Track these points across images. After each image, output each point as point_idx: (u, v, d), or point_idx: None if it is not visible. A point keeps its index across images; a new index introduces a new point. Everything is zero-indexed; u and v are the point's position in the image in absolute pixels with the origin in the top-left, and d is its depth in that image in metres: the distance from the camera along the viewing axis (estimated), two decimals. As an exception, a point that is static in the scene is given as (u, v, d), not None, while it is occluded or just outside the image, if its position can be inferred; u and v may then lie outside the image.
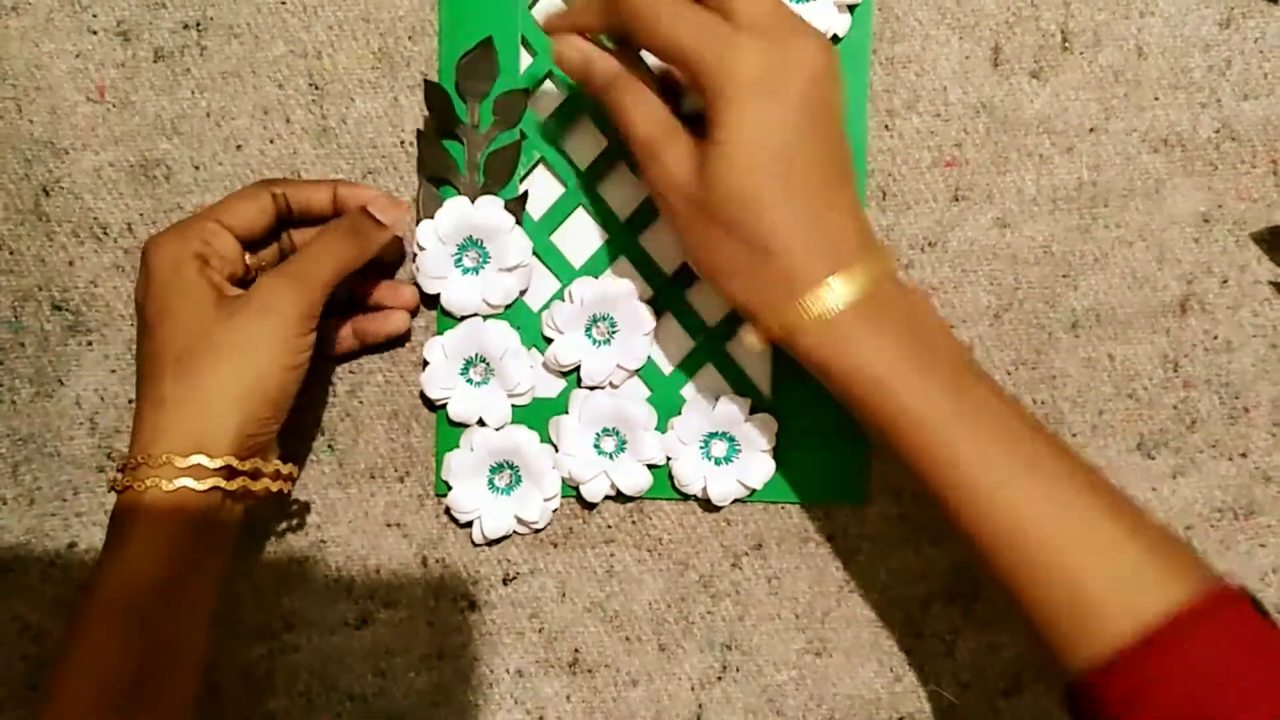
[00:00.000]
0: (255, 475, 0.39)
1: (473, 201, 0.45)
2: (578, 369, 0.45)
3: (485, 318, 0.46)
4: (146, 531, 0.37)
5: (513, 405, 0.46)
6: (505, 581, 0.47)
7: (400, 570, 0.47)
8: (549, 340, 0.45)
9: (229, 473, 0.38)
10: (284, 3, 0.46)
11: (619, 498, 0.46)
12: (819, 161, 0.36)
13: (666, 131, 0.38)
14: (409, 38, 0.46)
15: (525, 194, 0.45)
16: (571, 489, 0.46)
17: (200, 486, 0.37)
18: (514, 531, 0.46)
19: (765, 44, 0.35)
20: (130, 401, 0.47)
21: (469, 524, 0.46)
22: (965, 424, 0.35)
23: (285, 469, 0.41)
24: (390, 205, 0.42)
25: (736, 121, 0.35)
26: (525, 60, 0.46)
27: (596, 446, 0.46)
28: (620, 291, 0.45)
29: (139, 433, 0.38)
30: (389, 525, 0.47)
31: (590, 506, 0.47)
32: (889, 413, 0.36)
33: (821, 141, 0.36)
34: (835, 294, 0.36)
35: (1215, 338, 0.46)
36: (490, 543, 0.47)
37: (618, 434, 0.45)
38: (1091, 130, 0.46)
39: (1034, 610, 0.35)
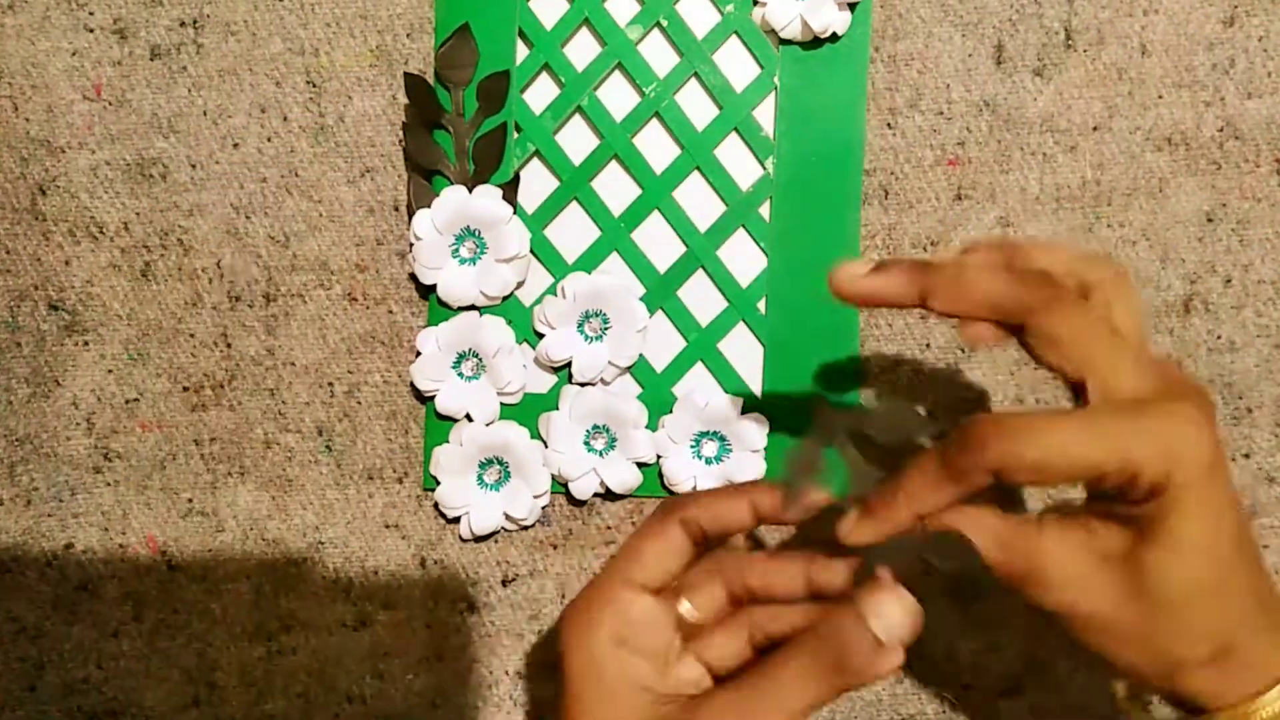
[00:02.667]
0: None
1: (469, 190, 0.45)
2: (569, 365, 0.45)
3: (481, 310, 0.45)
4: None
5: (502, 404, 0.46)
6: (504, 583, 0.47)
7: (399, 571, 0.47)
8: (540, 335, 0.45)
9: None
10: (281, 0, 0.45)
11: (608, 495, 0.46)
12: (1255, 546, 0.32)
13: (1089, 567, 0.32)
14: (407, 35, 0.46)
15: (517, 178, 0.45)
16: (561, 486, 0.46)
17: None
18: (502, 529, 0.46)
19: (1200, 414, 0.30)
20: (128, 401, 0.46)
21: (457, 519, 0.46)
22: None
23: None
24: (905, 614, 0.32)
25: (1197, 511, 0.30)
26: (522, 53, 0.45)
27: (587, 444, 0.45)
28: (613, 287, 0.45)
29: None
30: (387, 526, 0.47)
31: (579, 504, 0.46)
32: None
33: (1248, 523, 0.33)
34: None
35: (1219, 337, 0.46)
36: (478, 538, 0.46)
37: (608, 431, 0.45)
38: (1095, 129, 0.45)
39: None
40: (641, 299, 0.46)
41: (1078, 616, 0.32)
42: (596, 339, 0.45)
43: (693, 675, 0.34)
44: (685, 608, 0.34)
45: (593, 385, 0.45)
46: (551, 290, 0.46)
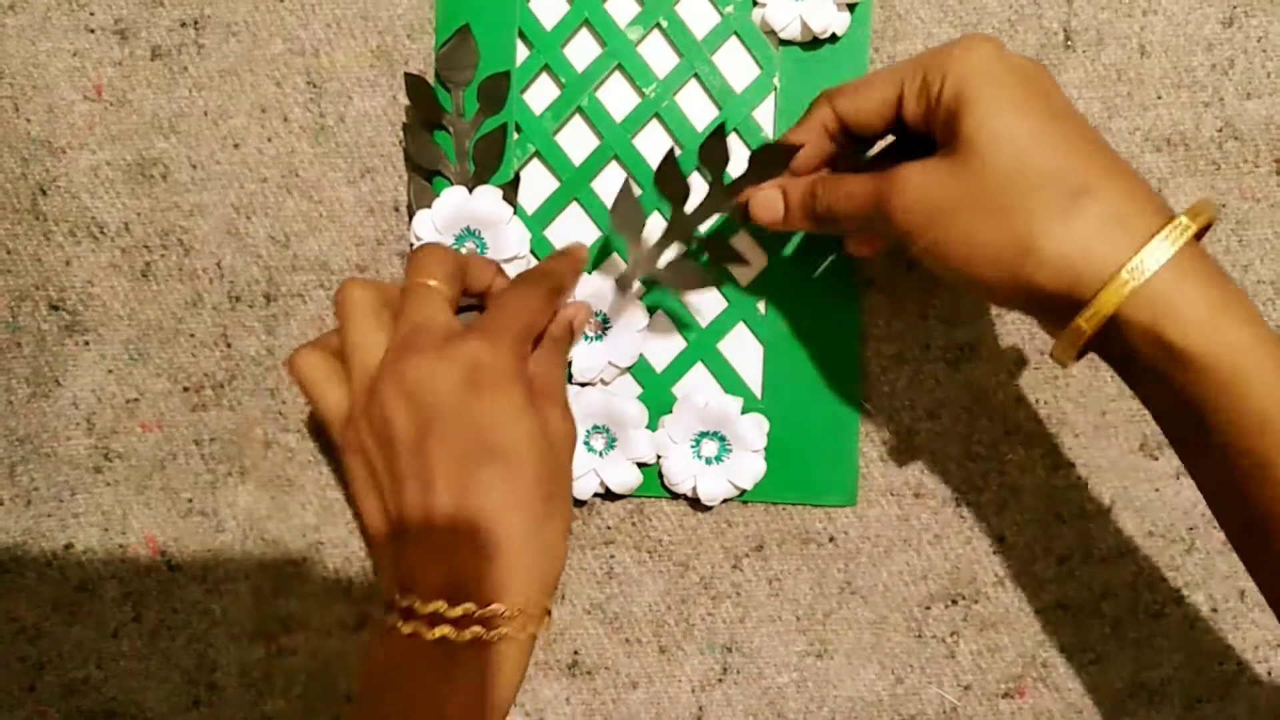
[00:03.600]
0: None
1: (469, 191, 0.45)
2: (568, 365, 0.45)
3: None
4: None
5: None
6: (504, 583, 0.47)
7: (399, 571, 0.47)
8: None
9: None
10: (282, 1, 0.46)
11: (608, 495, 0.46)
12: (1082, 123, 0.34)
13: (882, 176, 0.35)
14: (407, 36, 0.46)
15: (517, 178, 0.45)
16: None
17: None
18: None
19: (984, 40, 0.34)
20: (128, 401, 0.46)
21: None
22: None
23: None
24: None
25: (991, 103, 0.33)
26: (522, 54, 0.46)
27: (586, 444, 0.45)
28: (612, 287, 0.45)
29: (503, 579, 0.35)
30: (387, 526, 0.47)
31: (579, 504, 0.46)
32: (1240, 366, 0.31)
33: (1071, 112, 0.34)
34: (1179, 233, 0.31)
35: (1218, 338, 0.46)
36: None
37: (608, 432, 0.45)
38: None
39: None
40: (642, 299, 0.46)
41: (925, 232, 0.34)
42: (596, 338, 0.45)
43: None
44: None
45: (593, 385, 0.45)
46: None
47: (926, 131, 0.36)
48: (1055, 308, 0.33)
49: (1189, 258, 0.31)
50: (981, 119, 0.33)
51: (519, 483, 0.34)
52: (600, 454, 0.45)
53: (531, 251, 0.46)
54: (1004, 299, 0.34)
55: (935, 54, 0.35)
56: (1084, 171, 0.32)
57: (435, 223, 0.44)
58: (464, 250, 0.44)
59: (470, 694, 0.34)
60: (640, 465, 0.46)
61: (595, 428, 0.45)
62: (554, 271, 0.41)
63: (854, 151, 0.40)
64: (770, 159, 0.39)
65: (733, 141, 0.45)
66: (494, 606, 0.34)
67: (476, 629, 0.33)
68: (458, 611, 0.33)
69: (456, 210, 0.44)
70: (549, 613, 0.36)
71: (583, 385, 0.45)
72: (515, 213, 0.45)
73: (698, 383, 0.46)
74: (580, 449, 0.45)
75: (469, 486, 0.34)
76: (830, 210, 0.38)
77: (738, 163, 0.41)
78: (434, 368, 0.34)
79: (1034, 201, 0.32)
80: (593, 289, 0.45)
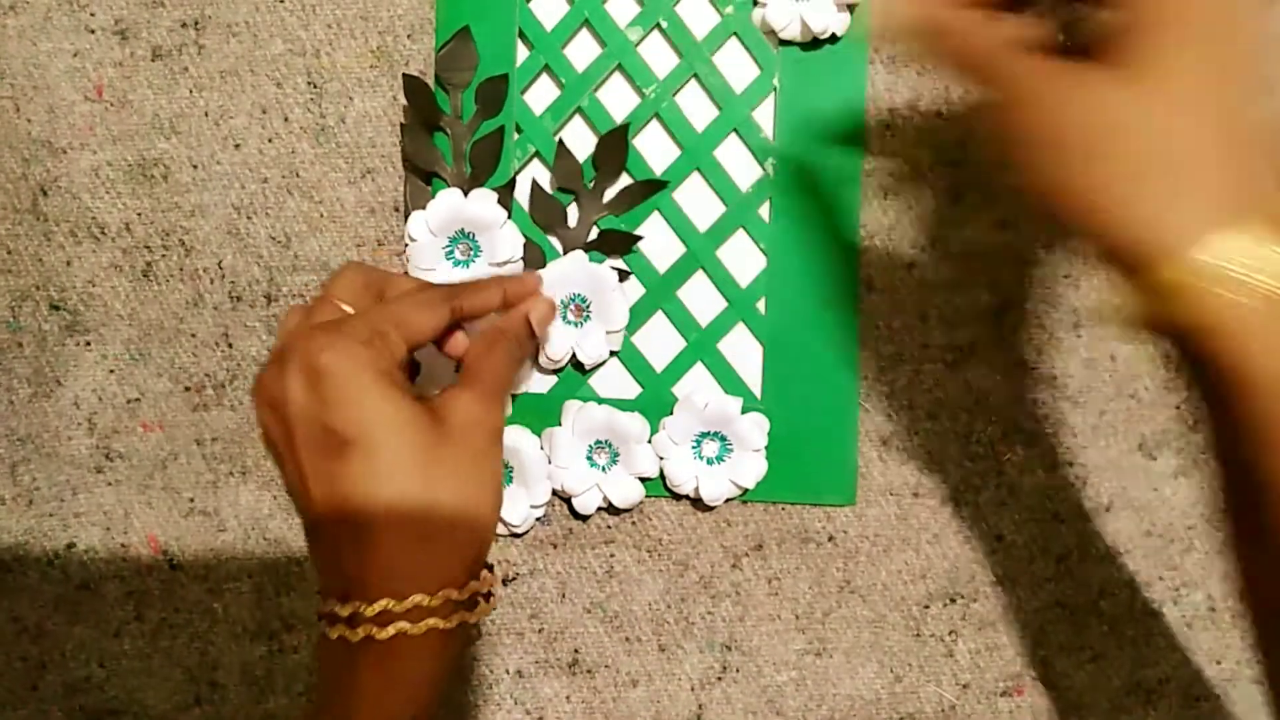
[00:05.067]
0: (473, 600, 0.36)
1: (465, 193, 0.45)
2: (568, 365, 0.46)
3: None
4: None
5: (510, 396, 0.46)
6: (505, 582, 0.47)
7: (400, 571, 0.47)
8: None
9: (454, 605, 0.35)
10: (282, 1, 0.46)
11: (611, 510, 0.46)
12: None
13: (1049, 65, 0.32)
14: (408, 36, 0.46)
15: (514, 181, 0.45)
16: (564, 499, 0.46)
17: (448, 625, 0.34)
18: None
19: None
20: (129, 401, 0.46)
21: None
22: None
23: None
24: (549, 313, 0.42)
25: (1176, 46, 0.30)
26: (523, 54, 0.46)
27: (589, 459, 0.46)
28: (577, 266, 0.45)
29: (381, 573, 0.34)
30: (388, 525, 0.47)
31: (583, 518, 0.47)
32: None
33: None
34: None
35: (1217, 338, 0.46)
36: None
37: (610, 446, 0.45)
38: (1093, 130, 0.45)
39: None
40: (642, 299, 0.46)
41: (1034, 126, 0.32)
42: (585, 320, 0.45)
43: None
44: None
45: (595, 402, 0.45)
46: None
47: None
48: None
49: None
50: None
51: (378, 467, 0.33)
52: (604, 469, 0.46)
53: (523, 258, 0.46)
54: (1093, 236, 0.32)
55: None
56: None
57: (430, 224, 0.44)
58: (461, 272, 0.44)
59: (375, 695, 0.33)
60: (643, 480, 0.46)
61: (598, 443, 0.45)
62: (459, 288, 0.39)
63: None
64: None
65: None
66: (381, 602, 0.33)
67: (368, 627, 0.33)
68: (346, 610, 0.33)
69: (451, 212, 0.44)
70: (483, 597, 0.35)
71: (590, 370, 0.46)
72: (511, 216, 0.45)
73: (698, 383, 0.46)
74: (583, 464, 0.45)
75: (332, 481, 0.33)
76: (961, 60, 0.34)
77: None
78: (280, 378, 0.34)
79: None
80: (560, 272, 0.45)
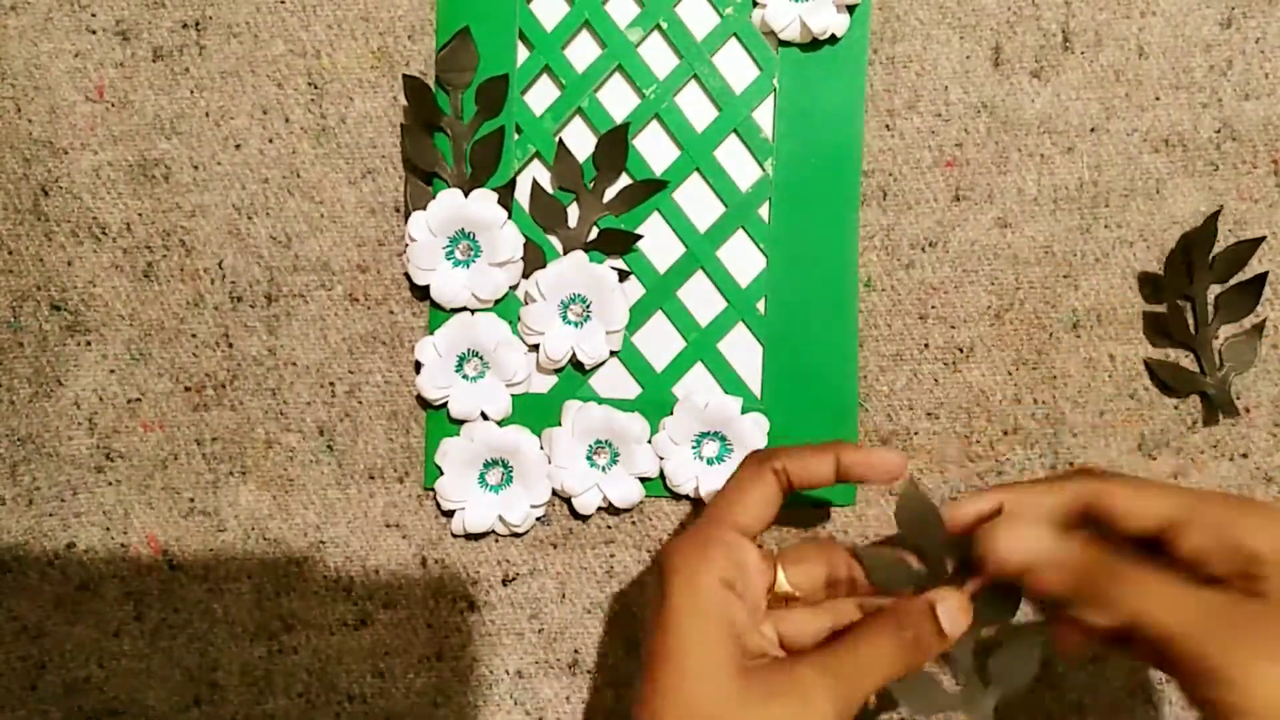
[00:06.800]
0: None
1: (465, 194, 0.45)
2: (569, 365, 0.46)
3: (473, 311, 0.46)
4: None
5: (512, 395, 0.46)
6: (505, 582, 0.47)
7: (399, 571, 0.47)
8: (534, 347, 0.46)
9: None
10: (283, 2, 0.46)
11: (610, 510, 0.46)
12: None
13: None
14: (408, 37, 0.46)
15: (514, 181, 0.46)
16: (564, 499, 0.46)
17: None
18: (492, 530, 0.46)
19: None
20: (130, 401, 0.47)
21: (452, 512, 0.46)
22: None
23: None
24: (962, 611, 0.34)
25: None
26: (523, 55, 0.46)
27: (589, 459, 0.46)
28: (577, 268, 0.45)
29: None
30: (388, 526, 0.47)
31: (582, 518, 0.47)
32: None
33: None
34: None
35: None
36: (470, 536, 0.47)
37: (610, 446, 0.45)
38: (1092, 130, 0.46)
39: None
40: (641, 299, 0.46)
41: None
42: (585, 320, 0.45)
43: (766, 640, 0.35)
44: (783, 577, 0.36)
45: (595, 401, 0.46)
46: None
47: (1198, 566, 0.33)
48: None
49: None
50: None
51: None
52: (604, 469, 0.46)
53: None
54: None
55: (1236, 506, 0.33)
56: None
57: (430, 224, 0.45)
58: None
59: None
60: (643, 480, 0.46)
61: (598, 443, 0.45)
62: (783, 452, 0.36)
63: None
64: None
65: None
66: None
67: None
68: None
69: (451, 212, 0.45)
70: None
71: (590, 370, 0.46)
72: (511, 216, 0.45)
73: (698, 383, 0.46)
74: (583, 464, 0.45)
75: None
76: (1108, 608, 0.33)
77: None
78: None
79: None
80: (555, 275, 0.45)
